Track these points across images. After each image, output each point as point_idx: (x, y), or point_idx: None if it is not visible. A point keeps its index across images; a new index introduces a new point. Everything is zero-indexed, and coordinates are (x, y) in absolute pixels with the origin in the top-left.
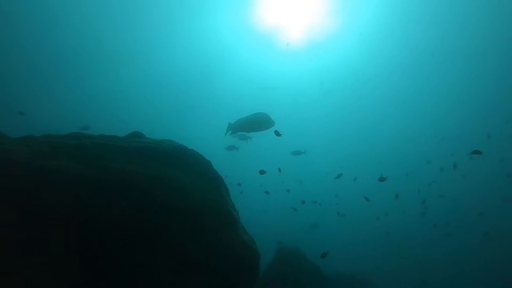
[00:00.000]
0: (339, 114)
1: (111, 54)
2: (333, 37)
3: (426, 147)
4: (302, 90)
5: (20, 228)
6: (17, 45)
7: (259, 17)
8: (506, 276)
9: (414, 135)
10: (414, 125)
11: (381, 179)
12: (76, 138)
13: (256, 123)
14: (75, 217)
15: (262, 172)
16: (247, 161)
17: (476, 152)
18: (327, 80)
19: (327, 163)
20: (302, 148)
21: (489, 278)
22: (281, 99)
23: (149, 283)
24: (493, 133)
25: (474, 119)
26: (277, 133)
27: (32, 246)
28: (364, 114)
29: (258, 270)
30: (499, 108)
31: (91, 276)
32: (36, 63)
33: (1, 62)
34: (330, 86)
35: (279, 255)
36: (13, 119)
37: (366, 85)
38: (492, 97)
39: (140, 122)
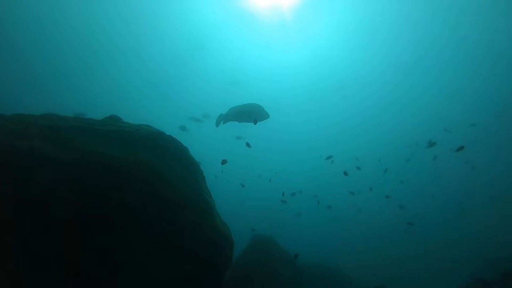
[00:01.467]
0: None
1: (82, 35)
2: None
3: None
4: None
5: None
6: None
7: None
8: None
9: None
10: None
11: (345, 173)
12: (50, 119)
13: (249, 114)
14: (45, 198)
15: (223, 161)
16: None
17: (461, 148)
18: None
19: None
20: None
21: (456, 269)
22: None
23: (125, 266)
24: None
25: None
26: (248, 145)
27: None
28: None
29: (232, 256)
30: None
31: (62, 256)
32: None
33: None
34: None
35: (252, 243)
36: None
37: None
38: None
39: (118, 107)
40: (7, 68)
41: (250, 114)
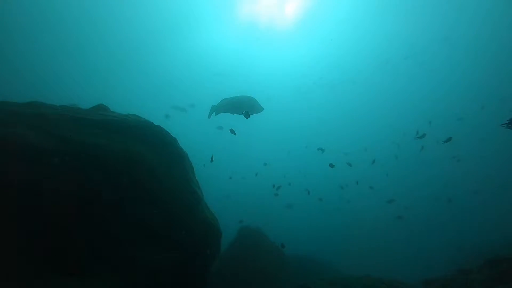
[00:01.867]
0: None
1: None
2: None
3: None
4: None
5: None
6: None
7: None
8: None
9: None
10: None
11: (331, 164)
12: (35, 107)
13: (242, 106)
14: (28, 186)
15: (211, 159)
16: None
17: (449, 139)
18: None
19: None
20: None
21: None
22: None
23: (112, 256)
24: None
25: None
26: (232, 132)
27: None
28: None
29: (219, 246)
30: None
31: (47, 245)
32: None
33: None
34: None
35: (240, 234)
36: None
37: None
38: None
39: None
40: None
41: (243, 106)
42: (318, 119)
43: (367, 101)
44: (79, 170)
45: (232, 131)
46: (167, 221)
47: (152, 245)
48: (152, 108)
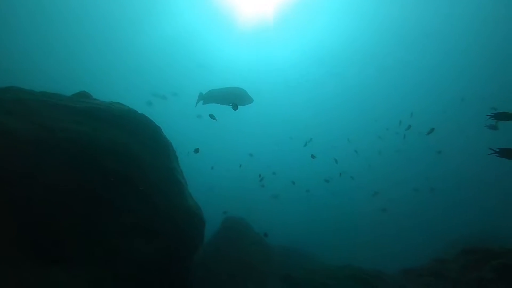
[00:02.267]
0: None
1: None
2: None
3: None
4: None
5: None
6: None
7: None
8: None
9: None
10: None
11: (312, 156)
12: (14, 92)
13: (231, 97)
14: (7, 174)
15: (196, 150)
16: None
17: (431, 130)
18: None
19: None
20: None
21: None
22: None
23: (96, 246)
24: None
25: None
26: (212, 117)
27: None
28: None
29: (203, 236)
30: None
31: (29, 236)
32: None
33: None
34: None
35: (224, 225)
36: None
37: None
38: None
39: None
40: None
41: (233, 97)
42: (305, 112)
43: (353, 95)
44: (60, 158)
45: (212, 116)
46: (151, 211)
47: (136, 235)
48: (132, 96)
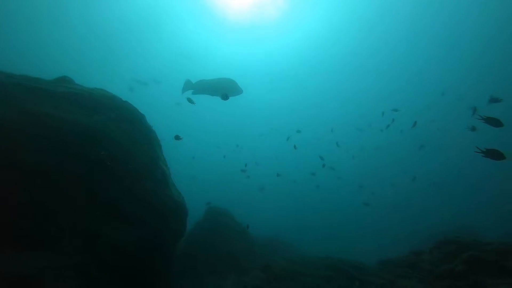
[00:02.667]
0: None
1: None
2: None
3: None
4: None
5: None
6: None
7: None
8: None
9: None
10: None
11: (294, 147)
12: None
13: (221, 88)
14: None
15: (177, 137)
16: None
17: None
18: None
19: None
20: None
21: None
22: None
23: (77, 231)
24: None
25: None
26: (190, 101)
27: None
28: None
29: (186, 225)
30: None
31: (3, 220)
32: None
33: None
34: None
35: (207, 215)
36: None
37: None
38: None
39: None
40: None
41: (223, 88)
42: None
43: (337, 90)
44: (40, 143)
45: (190, 100)
46: (134, 198)
47: (117, 221)
48: (111, 81)
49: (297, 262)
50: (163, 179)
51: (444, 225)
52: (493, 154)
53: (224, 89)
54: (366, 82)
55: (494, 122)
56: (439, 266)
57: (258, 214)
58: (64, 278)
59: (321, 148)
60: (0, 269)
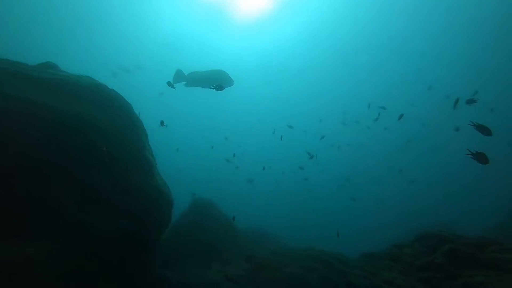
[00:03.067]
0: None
1: None
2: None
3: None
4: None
5: None
6: None
7: None
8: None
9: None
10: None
11: (280, 137)
12: None
13: (214, 80)
14: None
15: (162, 123)
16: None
17: (401, 116)
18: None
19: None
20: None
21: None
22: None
23: (57, 219)
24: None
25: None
26: (170, 85)
27: None
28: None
29: (170, 216)
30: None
31: None
32: None
33: None
34: None
35: (193, 205)
36: None
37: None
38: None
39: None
40: None
41: (216, 80)
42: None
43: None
44: (25, 130)
45: (169, 84)
46: (118, 187)
47: (102, 210)
48: (94, 68)
49: (281, 254)
50: (148, 168)
51: (427, 221)
52: (481, 158)
53: (216, 80)
54: (358, 78)
55: (484, 130)
56: (420, 259)
57: (246, 206)
58: (45, 266)
59: (308, 142)
60: None
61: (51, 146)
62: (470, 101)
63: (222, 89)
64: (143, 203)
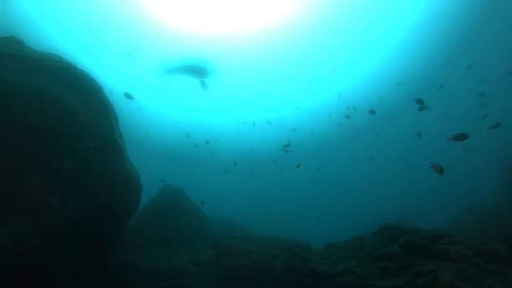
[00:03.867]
0: None
1: None
2: None
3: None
4: None
5: None
6: None
7: None
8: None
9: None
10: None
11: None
12: None
13: (198, 70)
14: None
15: (128, 96)
16: None
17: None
18: None
19: None
20: None
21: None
22: None
23: (19, 198)
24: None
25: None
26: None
27: None
28: None
29: (139, 201)
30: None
31: None
32: None
33: None
34: None
35: (162, 192)
36: None
37: None
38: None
39: None
40: None
41: (199, 70)
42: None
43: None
44: None
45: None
46: (85, 170)
47: (65, 191)
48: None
49: (248, 241)
50: (118, 153)
51: (390, 214)
52: (460, 137)
53: (197, 69)
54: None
55: (461, 137)
56: (379, 249)
57: (219, 196)
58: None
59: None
60: None
61: (10, 123)
62: (420, 108)
63: (206, 86)
64: (112, 186)
